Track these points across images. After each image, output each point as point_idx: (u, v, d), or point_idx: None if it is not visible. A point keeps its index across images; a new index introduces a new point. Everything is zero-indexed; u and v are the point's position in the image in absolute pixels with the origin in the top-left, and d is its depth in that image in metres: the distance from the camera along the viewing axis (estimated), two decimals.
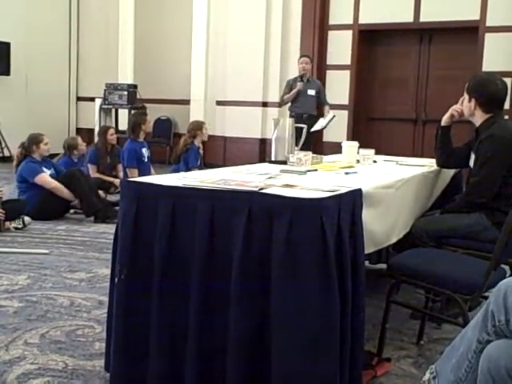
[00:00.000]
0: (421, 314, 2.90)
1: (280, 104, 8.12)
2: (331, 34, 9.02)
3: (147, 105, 9.93)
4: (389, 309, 2.61)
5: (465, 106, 3.17)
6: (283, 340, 1.95)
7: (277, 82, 9.00)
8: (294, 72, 8.07)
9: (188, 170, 5.99)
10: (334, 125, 7.71)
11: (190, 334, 2.06)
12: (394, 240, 2.81)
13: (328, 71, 9.03)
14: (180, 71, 10.09)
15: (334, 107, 7.95)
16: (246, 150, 9.02)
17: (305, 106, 7.53)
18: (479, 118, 3.12)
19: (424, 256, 2.68)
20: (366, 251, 2.27)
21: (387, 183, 2.72)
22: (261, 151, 9.06)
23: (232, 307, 1.99)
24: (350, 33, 8.82)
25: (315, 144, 7.35)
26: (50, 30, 10.55)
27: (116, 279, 2.23)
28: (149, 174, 6.11)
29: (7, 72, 9.69)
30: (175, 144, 7.27)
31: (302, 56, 7.94)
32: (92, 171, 6.63)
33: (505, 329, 1.68)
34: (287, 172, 2.79)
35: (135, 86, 9.99)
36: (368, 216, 2.29)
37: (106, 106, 10.04)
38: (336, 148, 4.03)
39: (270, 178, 2.53)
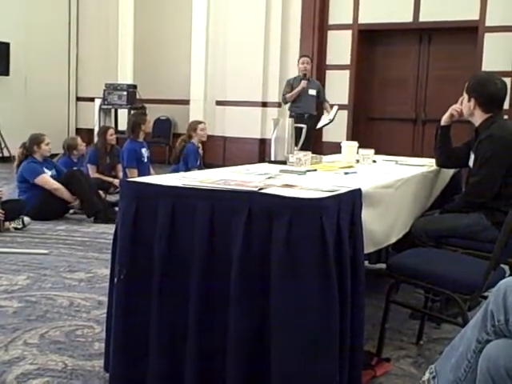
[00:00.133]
0: (420, 313, 2.90)
1: (282, 103, 8.09)
2: (331, 34, 9.02)
3: (147, 105, 9.93)
4: (388, 309, 2.61)
5: (464, 105, 3.17)
6: (283, 340, 1.95)
7: (276, 82, 9.00)
8: (293, 72, 8.07)
9: (188, 170, 5.99)
10: (334, 125, 7.71)
11: (190, 334, 2.06)
12: (393, 240, 2.81)
13: (327, 71, 9.04)
14: (179, 71, 10.08)
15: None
16: (245, 150, 9.01)
17: (305, 106, 7.53)
18: (479, 117, 3.12)
19: (423, 256, 2.68)
20: (366, 251, 2.27)
21: (387, 183, 2.72)
22: (260, 151, 9.05)
23: (232, 307, 1.99)
24: (349, 33, 8.82)
25: (314, 144, 7.36)
26: (50, 30, 10.55)
27: (115, 279, 2.23)
28: (148, 174, 6.11)
29: (6, 72, 9.69)
30: (175, 144, 7.28)
31: (302, 56, 7.93)
32: (91, 171, 6.62)
33: (504, 328, 1.68)
34: (287, 172, 2.79)
35: (135, 86, 9.98)
36: (367, 216, 2.29)
37: (105, 106, 10.03)
38: (335, 148, 4.03)
39: (269, 178, 2.53)
